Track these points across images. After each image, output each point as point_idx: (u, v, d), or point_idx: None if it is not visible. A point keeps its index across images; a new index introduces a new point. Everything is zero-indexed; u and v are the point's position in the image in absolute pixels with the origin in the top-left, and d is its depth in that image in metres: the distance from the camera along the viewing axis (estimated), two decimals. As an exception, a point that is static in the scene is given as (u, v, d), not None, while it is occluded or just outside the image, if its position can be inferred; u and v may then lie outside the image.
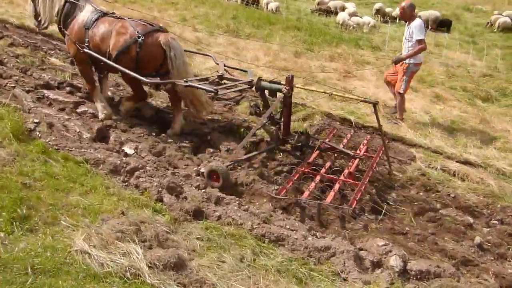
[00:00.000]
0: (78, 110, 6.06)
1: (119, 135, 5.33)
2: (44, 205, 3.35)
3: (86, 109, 6.12)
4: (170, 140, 5.45)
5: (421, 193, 4.92)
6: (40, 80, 6.84)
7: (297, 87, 5.11)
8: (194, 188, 4.27)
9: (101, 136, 5.35)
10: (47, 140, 4.81)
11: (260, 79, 5.19)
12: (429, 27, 16.44)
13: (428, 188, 5.01)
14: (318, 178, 4.48)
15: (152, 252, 2.89)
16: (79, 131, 5.29)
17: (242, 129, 5.85)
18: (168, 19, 12.59)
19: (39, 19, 6.14)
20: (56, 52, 8.67)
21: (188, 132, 5.74)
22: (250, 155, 4.91)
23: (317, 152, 4.96)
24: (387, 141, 5.37)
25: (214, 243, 3.46)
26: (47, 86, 6.74)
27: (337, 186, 4.34)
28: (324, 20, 15.86)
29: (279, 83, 5.02)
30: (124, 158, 4.53)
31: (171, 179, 4.21)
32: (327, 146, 5.01)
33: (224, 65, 5.85)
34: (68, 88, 6.78)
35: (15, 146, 4.38)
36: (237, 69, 6.31)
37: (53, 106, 6.09)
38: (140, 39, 5.12)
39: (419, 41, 6.16)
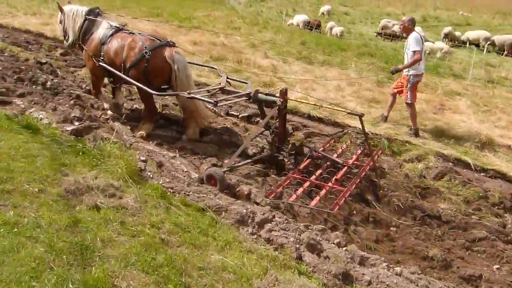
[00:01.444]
0: (177, 146, 5.85)
1: (229, 176, 5.01)
2: (194, 269, 3.02)
3: (184, 144, 5.91)
4: (280, 182, 5.09)
5: None
6: (133, 111, 6.73)
7: (291, 99, 5.50)
8: (333, 245, 3.84)
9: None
10: (160, 182, 4.56)
11: (257, 91, 5.49)
12: (505, 52, 15.60)
13: None
14: (307, 183, 4.71)
15: None
16: (187, 171, 5.02)
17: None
18: (237, 44, 12.53)
19: (67, 38, 6.63)
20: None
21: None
22: (245, 162, 5.18)
23: (309, 160, 5.23)
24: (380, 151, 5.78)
25: (380, 319, 3.00)
26: (140, 118, 6.61)
27: (323, 191, 4.56)
28: (392, 45, 15.35)
29: (274, 95, 5.40)
30: (249, 207, 4.18)
31: (310, 235, 3.80)
32: (318, 154, 5.32)
33: (227, 77, 6.19)
34: (162, 121, 6.63)
35: (136, 191, 4.13)
36: (238, 80, 6.50)
37: (150, 141, 5.90)
38: (148, 54, 5.49)
39: (415, 52, 6.51)
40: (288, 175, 4.86)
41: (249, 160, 5.25)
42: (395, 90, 7.11)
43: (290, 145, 5.43)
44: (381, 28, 17.56)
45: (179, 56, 5.65)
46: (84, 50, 6.30)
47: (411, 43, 6.58)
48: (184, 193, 4.43)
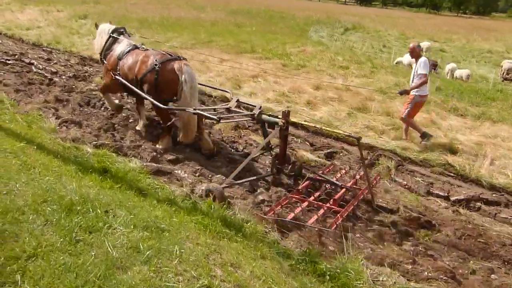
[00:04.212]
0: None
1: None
2: None
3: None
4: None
5: None
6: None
7: (292, 121, 5.41)
8: None
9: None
10: None
11: (261, 112, 5.60)
12: None
13: None
14: (305, 203, 4.79)
15: None
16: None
17: None
18: (362, 88, 11.12)
19: (98, 52, 7.20)
20: (294, 140, 7.28)
21: None
22: (245, 180, 5.28)
23: (308, 181, 5.33)
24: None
25: None
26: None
27: (321, 211, 4.59)
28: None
29: (276, 117, 5.45)
30: None
31: None
32: (317, 177, 5.43)
33: (238, 100, 6.27)
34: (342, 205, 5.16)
35: None
36: (248, 104, 6.49)
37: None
38: (157, 66, 5.84)
39: (423, 75, 7.08)
40: (287, 194, 5.01)
41: (249, 179, 5.33)
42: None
43: (290, 166, 5.56)
44: (506, 71, 15.72)
45: (187, 68, 5.87)
46: (104, 64, 6.89)
47: (419, 67, 7.14)
48: None
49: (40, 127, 6.29)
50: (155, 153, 5.90)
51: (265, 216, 4.40)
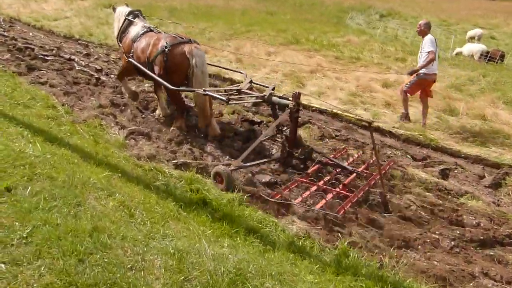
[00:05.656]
0: None
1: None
2: None
3: None
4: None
5: None
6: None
7: (303, 104, 5.57)
8: None
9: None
10: None
11: (271, 94, 5.51)
12: None
13: None
14: (314, 187, 4.68)
15: None
16: None
17: None
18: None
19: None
20: (394, 153, 6.27)
21: None
22: (254, 162, 5.11)
23: (318, 165, 5.16)
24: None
25: None
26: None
27: (329, 195, 4.47)
28: None
29: (287, 99, 5.32)
30: None
31: None
32: (328, 161, 5.27)
33: (251, 81, 6.20)
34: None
35: None
36: (262, 85, 6.36)
37: None
38: (167, 49, 5.76)
39: (429, 52, 7.05)
40: (295, 178, 4.89)
41: (258, 161, 5.19)
42: (421, 94, 7.61)
43: (300, 149, 5.40)
44: None
45: (198, 51, 5.81)
46: (120, 47, 6.88)
47: (426, 44, 7.18)
48: None
49: (107, 141, 5.41)
50: (249, 175, 4.98)
51: (271, 199, 4.31)
